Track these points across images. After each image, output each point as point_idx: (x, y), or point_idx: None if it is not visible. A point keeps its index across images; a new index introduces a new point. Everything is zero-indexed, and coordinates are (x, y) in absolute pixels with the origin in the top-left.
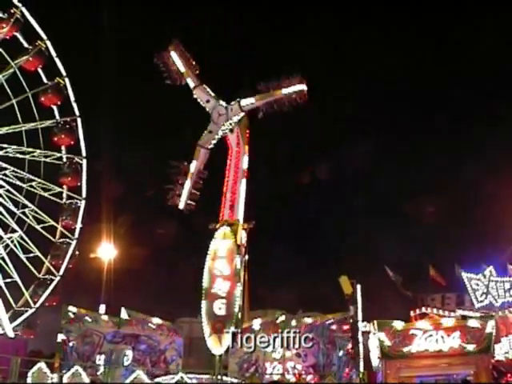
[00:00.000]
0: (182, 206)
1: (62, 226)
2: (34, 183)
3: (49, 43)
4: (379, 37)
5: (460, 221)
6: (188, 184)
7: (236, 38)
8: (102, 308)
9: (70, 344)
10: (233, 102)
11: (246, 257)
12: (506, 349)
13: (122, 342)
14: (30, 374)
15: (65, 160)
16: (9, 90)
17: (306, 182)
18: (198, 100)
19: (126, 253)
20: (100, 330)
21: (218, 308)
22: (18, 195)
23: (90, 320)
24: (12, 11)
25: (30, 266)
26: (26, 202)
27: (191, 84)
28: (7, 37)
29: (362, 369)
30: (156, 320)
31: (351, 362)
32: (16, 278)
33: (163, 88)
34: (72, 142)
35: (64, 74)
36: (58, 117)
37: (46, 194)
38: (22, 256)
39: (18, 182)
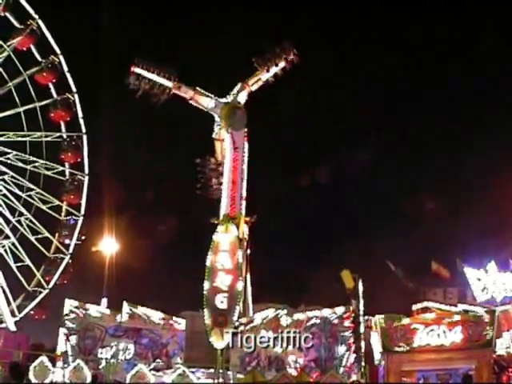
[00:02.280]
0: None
1: (59, 241)
2: (32, 192)
3: (61, 58)
4: (379, 37)
5: (461, 218)
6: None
7: (235, 39)
8: (104, 302)
9: (72, 338)
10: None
11: (248, 251)
12: (507, 343)
13: (123, 335)
14: (31, 368)
15: (67, 177)
16: (17, 98)
17: (307, 182)
18: (199, 107)
19: (127, 247)
20: (102, 323)
21: (219, 302)
22: (15, 202)
23: (91, 314)
24: (28, 23)
25: (20, 276)
26: (23, 210)
27: (186, 93)
28: (24, 48)
29: (363, 363)
30: (158, 314)
31: (353, 356)
32: (4, 285)
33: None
34: (78, 160)
35: (74, 90)
36: (64, 130)
37: (43, 207)
38: (13, 264)
39: (16, 190)
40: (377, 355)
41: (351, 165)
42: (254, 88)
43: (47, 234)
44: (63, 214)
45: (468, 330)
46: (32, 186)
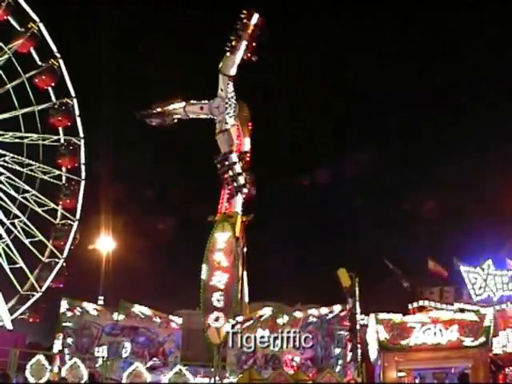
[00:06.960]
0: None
1: (54, 245)
2: (27, 194)
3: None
4: (379, 37)
5: (459, 216)
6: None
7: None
8: (101, 300)
9: (69, 336)
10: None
11: (245, 249)
12: (504, 342)
13: (120, 334)
14: (28, 367)
15: (64, 181)
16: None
17: (306, 181)
18: (194, 116)
19: (124, 245)
20: (98, 322)
21: (216, 300)
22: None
23: (88, 312)
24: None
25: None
26: (27, 187)
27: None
28: (24, 51)
29: (360, 361)
30: (154, 312)
31: (349, 355)
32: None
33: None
34: (75, 164)
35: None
36: (62, 137)
37: (39, 210)
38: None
39: (12, 192)
40: (373, 354)
41: (351, 164)
42: (232, 73)
43: (41, 238)
44: (58, 218)
45: (464, 328)
46: (28, 188)
